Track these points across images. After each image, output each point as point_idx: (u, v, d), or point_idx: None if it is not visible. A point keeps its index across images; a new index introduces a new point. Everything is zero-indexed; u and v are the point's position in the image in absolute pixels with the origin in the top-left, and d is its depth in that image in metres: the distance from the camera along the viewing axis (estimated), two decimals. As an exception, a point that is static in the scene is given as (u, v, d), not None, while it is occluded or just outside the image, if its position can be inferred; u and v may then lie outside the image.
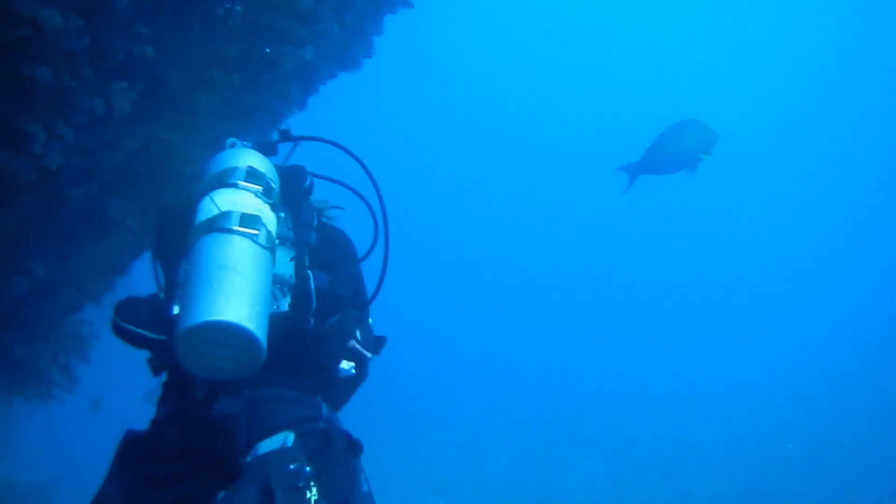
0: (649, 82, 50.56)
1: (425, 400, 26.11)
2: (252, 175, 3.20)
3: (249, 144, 3.53)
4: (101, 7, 4.60)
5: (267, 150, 3.57)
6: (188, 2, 5.34)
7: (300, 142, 3.82)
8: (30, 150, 4.82)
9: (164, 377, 3.16)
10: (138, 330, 3.03)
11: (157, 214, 3.67)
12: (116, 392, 14.66)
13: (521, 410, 24.12)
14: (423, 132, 52.58)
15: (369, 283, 3.70)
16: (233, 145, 3.51)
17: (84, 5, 4.53)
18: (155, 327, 3.02)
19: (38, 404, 7.03)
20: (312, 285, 3.21)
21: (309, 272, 3.25)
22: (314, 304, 3.21)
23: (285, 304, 3.20)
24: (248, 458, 2.93)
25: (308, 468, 2.89)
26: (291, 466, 2.87)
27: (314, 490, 2.84)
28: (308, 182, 3.58)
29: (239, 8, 5.50)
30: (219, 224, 2.94)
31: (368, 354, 3.38)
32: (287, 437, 2.98)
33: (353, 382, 3.47)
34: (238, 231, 2.92)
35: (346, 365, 3.27)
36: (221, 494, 2.94)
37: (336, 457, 3.10)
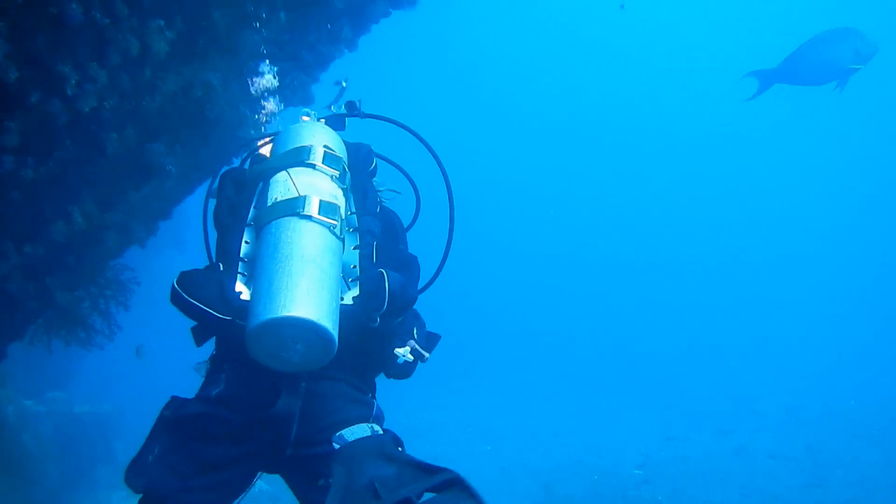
0: (649, 82, 48.96)
1: (476, 349, 26.03)
2: (329, 158, 3.16)
3: (321, 117, 3.58)
4: (135, -62, 4.32)
5: (336, 123, 3.61)
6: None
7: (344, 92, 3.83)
8: (62, 91, 4.61)
9: (209, 349, 3.20)
10: (203, 307, 2.94)
11: (218, 179, 3.53)
12: (158, 339, 14.78)
13: (573, 361, 23.90)
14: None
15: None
16: (307, 117, 3.53)
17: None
18: (221, 306, 2.94)
19: (79, 351, 6.90)
20: (388, 287, 3.03)
21: (384, 272, 3.08)
22: (385, 307, 3.03)
23: (349, 297, 3.06)
24: (336, 445, 2.88)
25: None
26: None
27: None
28: (374, 164, 3.55)
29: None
30: (299, 209, 2.89)
31: (426, 355, 3.35)
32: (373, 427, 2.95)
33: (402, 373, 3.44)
34: (318, 220, 2.88)
35: (401, 351, 3.26)
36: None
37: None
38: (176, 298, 2.97)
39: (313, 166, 3.11)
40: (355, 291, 3.08)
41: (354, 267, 3.13)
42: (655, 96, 46.52)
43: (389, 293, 3.01)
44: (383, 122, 3.79)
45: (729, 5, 46.88)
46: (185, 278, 3.01)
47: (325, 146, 3.19)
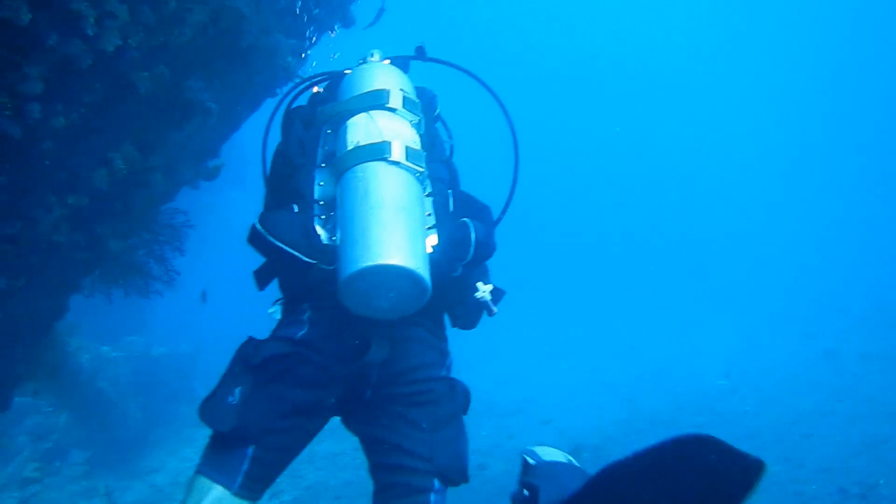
0: (647, 81, 46.51)
1: (548, 264, 25.77)
2: (409, 102, 3.12)
3: (386, 57, 3.51)
4: None
5: (401, 65, 3.50)
6: None
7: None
8: (81, 31, 4.32)
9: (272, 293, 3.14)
10: (289, 249, 2.89)
11: (285, 115, 3.52)
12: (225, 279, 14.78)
13: (647, 269, 23.42)
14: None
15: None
16: (373, 57, 3.48)
17: None
18: (306, 249, 2.89)
19: (137, 299, 6.76)
20: (474, 237, 3.02)
21: (469, 222, 3.07)
22: (471, 256, 3.03)
23: (428, 245, 2.95)
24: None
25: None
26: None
27: None
28: (437, 111, 3.48)
29: None
30: (385, 154, 2.83)
31: (495, 309, 3.23)
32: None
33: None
34: (406, 166, 2.83)
35: (482, 295, 3.16)
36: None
37: (455, 410, 3.04)
38: (257, 239, 2.93)
39: (394, 110, 3.05)
40: (433, 240, 3.02)
41: (430, 214, 3.07)
42: (653, 95, 44.81)
43: (476, 243, 3.02)
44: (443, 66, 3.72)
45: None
46: (268, 219, 2.95)
47: (402, 90, 3.14)
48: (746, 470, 1.92)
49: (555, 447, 2.66)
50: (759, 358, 14.28)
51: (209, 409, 2.83)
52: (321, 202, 3.03)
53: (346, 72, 3.47)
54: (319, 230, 2.96)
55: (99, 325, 12.62)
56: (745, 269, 21.74)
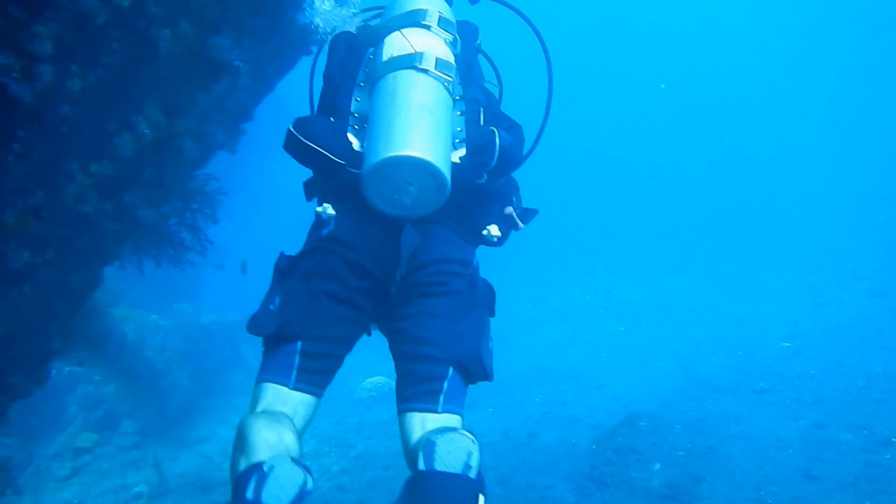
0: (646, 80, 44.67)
1: (601, 225, 25.24)
2: (444, 21, 3.39)
3: None
4: None
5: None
6: None
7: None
8: (93, -16, 4.02)
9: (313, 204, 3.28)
10: (319, 148, 3.08)
11: (331, 42, 3.69)
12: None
13: (702, 226, 22.71)
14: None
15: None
16: None
17: None
18: (337, 149, 3.10)
19: (170, 268, 6.52)
20: (498, 142, 3.19)
21: (495, 129, 3.23)
22: (494, 162, 3.20)
23: (456, 156, 3.21)
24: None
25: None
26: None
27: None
28: (478, 41, 3.73)
29: None
30: (416, 63, 3.06)
31: (521, 224, 3.44)
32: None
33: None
34: (434, 74, 3.05)
35: (495, 232, 3.32)
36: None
37: (476, 305, 3.17)
38: (291, 142, 3.12)
39: (428, 27, 3.31)
40: (462, 152, 3.23)
41: (461, 130, 3.28)
42: (653, 95, 43.38)
43: (500, 148, 3.17)
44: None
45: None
46: (302, 123, 3.15)
47: (439, 12, 3.41)
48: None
49: (469, 434, 2.72)
50: (826, 317, 13.66)
51: (254, 321, 3.03)
52: (356, 115, 3.25)
53: None
54: (352, 138, 3.16)
55: (148, 293, 12.58)
56: (809, 223, 20.94)
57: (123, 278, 7.29)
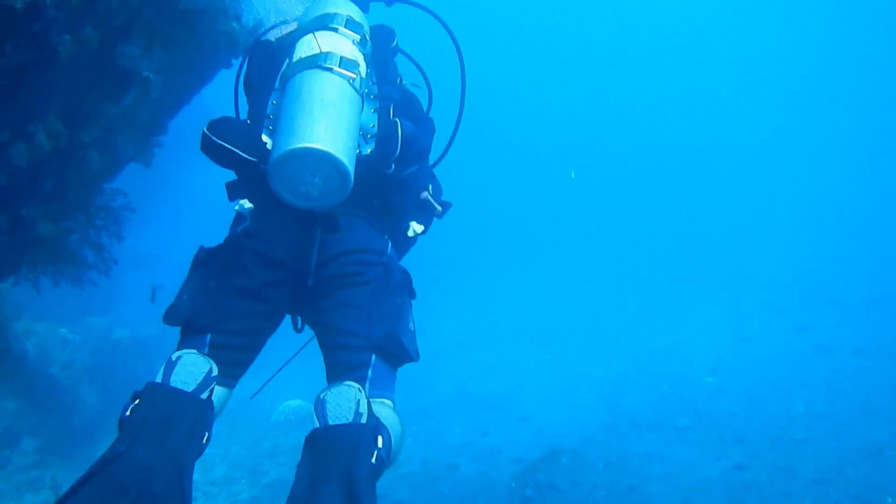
0: (646, 80, 45.63)
1: (530, 249, 25.18)
2: (351, 23, 3.52)
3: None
4: None
5: (363, 5, 3.87)
6: None
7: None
8: (-23, -18, 3.65)
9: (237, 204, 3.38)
10: (230, 147, 3.23)
11: (249, 48, 3.81)
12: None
13: (632, 256, 22.82)
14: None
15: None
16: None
17: None
18: (247, 148, 3.25)
19: (69, 288, 6.09)
20: (400, 132, 3.32)
21: (398, 120, 3.37)
22: (399, 150, 3.31)
23: (367, 150, 3.38)
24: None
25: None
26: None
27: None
28: (394, 43, 3.87)
29: None
30: (321, 62, 3.17)
31: (438, 207, 3.65)
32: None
33: (414, 239, 3.68)
34: (338, 71, 3.15)
35: (419, 228, 3.59)
36: None
37: (392, 291, 3.26)
38: (206, 143, 3.25)
39: (336, 30, 3.43)
40: (373, 146, 3.39)
41: (373, 126, 3.45)
42: (652, 95, 44.08)
43: (402, 137, 3.30)
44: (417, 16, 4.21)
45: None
46: (215, 125, 3.28)
47: (348, 15, 3.54)
48: None
49: (355, 384, 2.78)
50: (749, 352, 13.67)
51: (168, 311, 3.11)
52: (270, 116, 3.38)
53: None
54: (266, 138, 3.31)
55: (61, 304, 12.03)
56: (735, 257, 21.18)
57: (32, 289, 6.93)
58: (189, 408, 2.73)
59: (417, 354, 3.23)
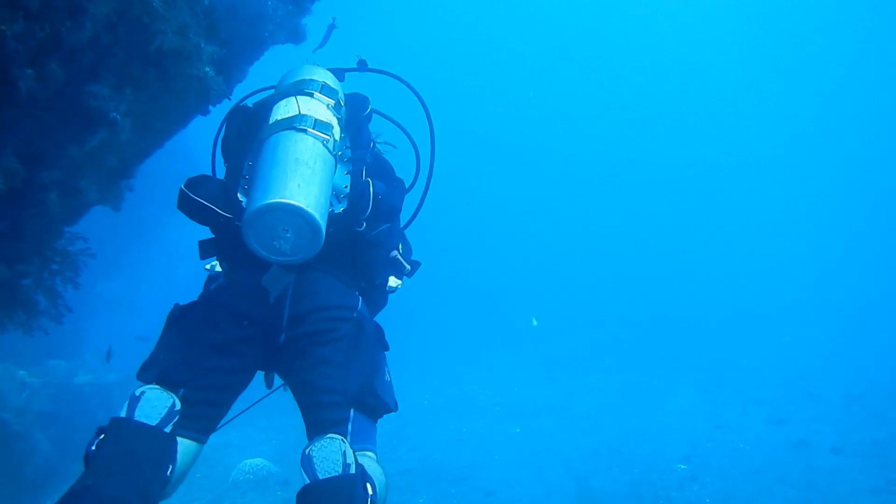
0: (646, 81, 46.62)
1: (505, 320, 24.97)
2: (327, 89, 3.65)
3: (328, 69, 3.94)
4: None
5: (338, 74, 3.98)
6: None
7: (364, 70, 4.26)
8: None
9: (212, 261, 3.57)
10: (208, 203, 3.35)
11: (228, 114, 3.95)
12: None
13: (609, 336, 22.60)
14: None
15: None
16: (308, 61, 3.97)
17: None
18: (223, 205, 3.36)
19: (19, 336, 5.79)
20: (372, 191, 3.53)
21: (370, 180, 3.58)
22: (370, 209, 3.51)
23: (339, 209, 3.52)
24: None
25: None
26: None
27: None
28: (368, 110, 3.97)
29: None
30: (296, 123, 3.31)
31: (407, 266, 3.80)
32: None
33: (386, 295, 3.82)
34: (312, 133, 3.30)
35: (394, 283, 3.76)
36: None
37: (365, 345, 3.39)
38: (182, 200, 3.38)
39: (311, 94, 3.55)
40: (345, 205, 3.55)
41: (346, 186, 3.59)
42: (652, 95, 44.72)
43: (373, 196, 3.53)
44: (392, 84, 4.29)
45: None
46: (192, 182, 3.43)
47: (323, 81, 3.67)
48: None
49: (337, 436, 2.96)
50: (724, 441, 13.35)
51: (142, 368, 3.22)
52: (246, 176, 3.46)
53: None
54: (241, 196, 3.40)
55: (23, 345, 11.70)
56: (712, 342, 21.00)
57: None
58: (153, 441, 2.88)
59: (395, 404, 3.39)
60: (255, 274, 3.29)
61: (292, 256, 3.13)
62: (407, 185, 4.15)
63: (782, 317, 22.59)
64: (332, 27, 4.88)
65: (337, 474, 2.83)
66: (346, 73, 4.19)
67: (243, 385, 3.37)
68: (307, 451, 2.93)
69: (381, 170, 3.92)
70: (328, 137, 3.34)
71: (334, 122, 3.49)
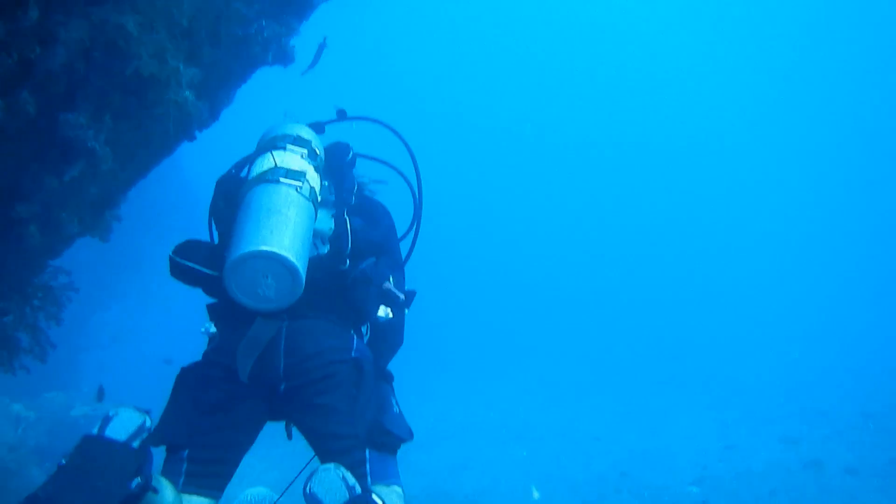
0: (646, 81, 46.65)
1: (512, 343, 24.74)
2: (300, 140, 3.70)
3: (307, 123, 4.00)
4: None
5: (317, 128, 4.09)
6: None
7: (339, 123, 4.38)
8: None
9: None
10: (194, 265, 3.48)
11: (216, 182, 3.94)
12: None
13: (618, 357, 22.36)
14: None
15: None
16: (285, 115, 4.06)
17: None
18: (210, 264, 3.47)
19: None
20: (349, 227, 3.66)
21: (347, 217, 3.71)
22: (349, 245, 3.62)
23: (324, 251, 3.65)
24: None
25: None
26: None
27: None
28: (350, 156, 4.10)
29: None
30: (268, 176, 3.43)
31: (401, 295, 3.75)
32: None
33: (392, 328, 3.76)
34: (284, 182, 3.41)
35: (382, 312, 3.67)
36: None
37: (367, 384, 3.39)
38: (172, 265, 3.52)
39: (284, 147, 3.61)
40: (329, 246, 3.67)
41: (330, 229, 3.72)
42: (652, 95, 44.59)
43: (351, 232, 3.65)
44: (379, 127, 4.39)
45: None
46: (179, 247, 3.55)
47: (296, 134, 3.72)
48: None
49: (330, 466, 2.99)
50: (735, 462, 13.06)
51: (151, 435, 3.19)
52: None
53: None
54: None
55: (22, 377, 11.53)
56: (721, 361, 20.73)
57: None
58: (118, 455, 2.97)
59: (410, 433, 3.41)
60: (247, 328, 3.33)
61: (279, 302, 3.22)
62: (411, 218, 4.25)
63: (790, 332, 22.30)
64: (322, 46, 5.01)
65: (346, 499, 2.89)
66: (325, 126, 4.29)
67: (250, 439, 3.40)
68: (308, 490, 2.96)
69: (366, 208, 4.00)
70: (301, 184, 3.41)
71: (309, 169, 3.57)
